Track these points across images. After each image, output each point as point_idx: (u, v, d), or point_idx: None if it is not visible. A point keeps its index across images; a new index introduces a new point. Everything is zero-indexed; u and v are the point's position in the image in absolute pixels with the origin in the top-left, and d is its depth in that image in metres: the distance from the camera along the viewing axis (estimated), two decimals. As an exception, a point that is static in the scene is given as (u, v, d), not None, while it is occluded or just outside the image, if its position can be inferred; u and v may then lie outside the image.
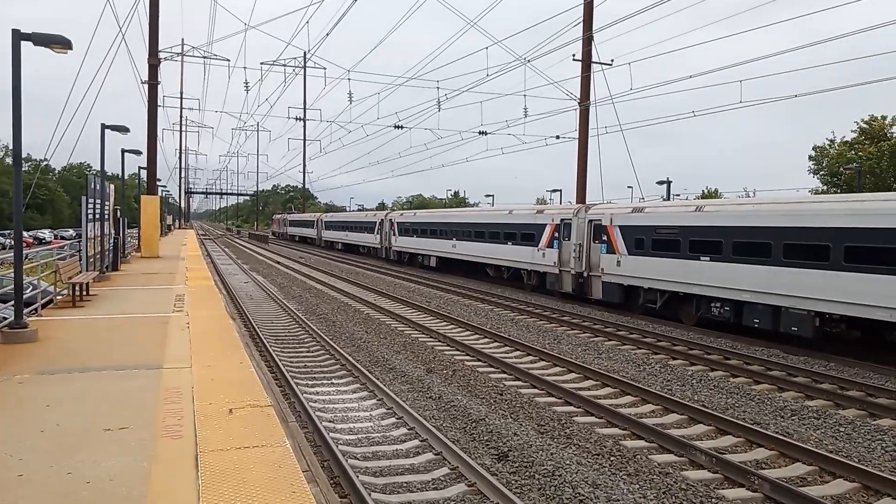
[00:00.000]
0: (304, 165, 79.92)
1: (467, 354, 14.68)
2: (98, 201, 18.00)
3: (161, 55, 28.90)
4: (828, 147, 47.79)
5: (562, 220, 24.57)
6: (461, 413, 10.06)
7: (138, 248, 29.69)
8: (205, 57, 44.92)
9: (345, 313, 20.38)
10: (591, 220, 22.93)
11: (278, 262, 42.35)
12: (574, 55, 30.47)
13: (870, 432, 9.63)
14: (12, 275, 10.11)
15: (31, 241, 62.53)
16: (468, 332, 17.52)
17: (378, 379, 11.94)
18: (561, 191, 49.04)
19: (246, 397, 6.46)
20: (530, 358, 14.52)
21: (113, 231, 21.61)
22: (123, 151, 25.20)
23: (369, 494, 6.84)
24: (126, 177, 31.94)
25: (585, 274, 23.06)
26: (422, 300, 23.59)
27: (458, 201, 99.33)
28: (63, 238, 65.07)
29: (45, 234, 71.69)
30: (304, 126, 73.30)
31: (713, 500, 7.07)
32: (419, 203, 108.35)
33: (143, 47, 27.54)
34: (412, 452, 8.43)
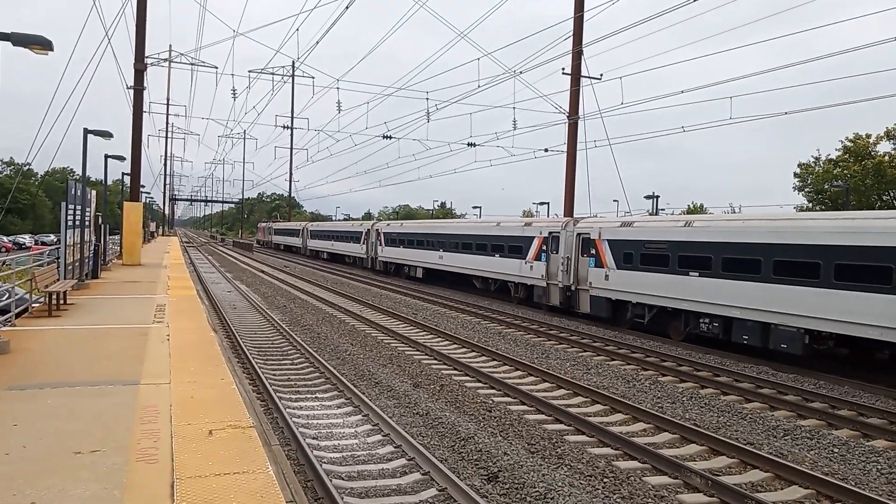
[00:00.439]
0: (291, 174, 79.48)
1: (455, 369, 14.42)
2: (78, 207, 17.60)
3: (148, 60, 28.54)
4: (813, 164, 48.21)
5: (550, 233, 24.44)
6: (449, 430, 9.80)
7: (120, 255, 29.16)
8: (192, 63, 44.54)
9: (330, 325, 20.05)
10: (579, 234, 22.81)
11: (263, 272, 41.88)
12: (563, 69, 30.50)
13: (864, 454, 9.49)
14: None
15: (10, 246, 61.52)
16: (455, 346, 17.26)
17: (363, 393, 11.64)
18: (549, 203, 49.06)
19: (227, 417, 6.16)
20: (519, 373, 14.29)
21: (94, 238, 21.17)
22: (107, 157, 24.77)
23: (354, 518, 6.57)
24: (110, 182, 31.45)
25: (573, 287, 22.91)
26: (408, 312, 23.31)
27: (445, 212, 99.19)
28: (44, 243, 63.99)
29: (26, 239, 70.52)
30: (292, 134, 73.01)
31: (711, 526, 6.86)
32: (406, 213, 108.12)
33: (129, 52, 27.11)
34: (399, 472, 8.15)
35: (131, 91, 27.38)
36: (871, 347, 14.30)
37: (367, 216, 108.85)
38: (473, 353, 16.30)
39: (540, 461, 8.63)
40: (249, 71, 54.61)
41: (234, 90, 48.45)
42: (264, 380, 12.02)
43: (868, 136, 45.31)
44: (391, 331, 18.85)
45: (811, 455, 9.38)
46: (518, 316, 23.01)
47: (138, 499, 4.26)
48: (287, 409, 10.32)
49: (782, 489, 8.09)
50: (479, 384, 13.08)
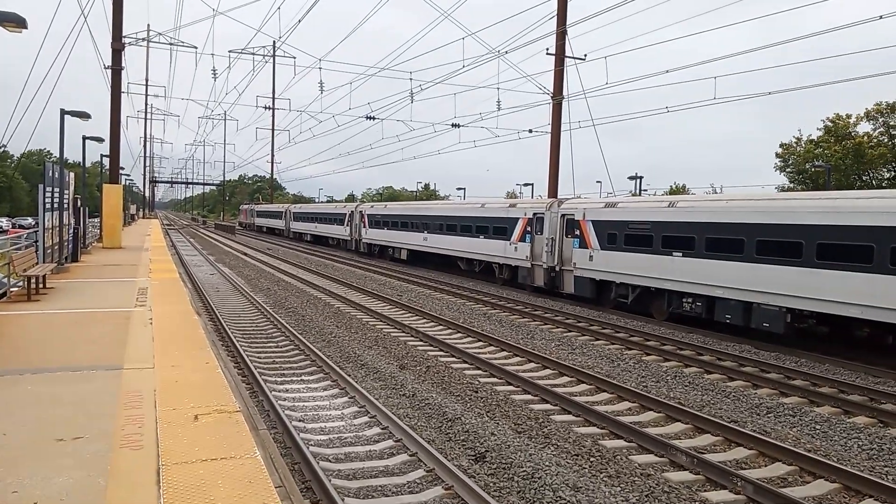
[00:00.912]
0: (273, 155, 78.82)
1: (441, 350, 14.42)
2: (56, 190, 17.27)
3: (125, 40, 27.97)
4: (795, 144, 48.55)
5: (534, 214, 24.44)
6: (436, 411, 9.80)
7: (100, 238, 28.77)
8: (171, 44, 43.78)
9: (314, 307, 19.95)
10: (563, 215, 22.83)
11: (245, 254, 41.54)
12: (547, 49, 30.34)
13: (846, 430, 9.63)
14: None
15: (-14, 229, 60.47)
16: (441, 327, 17.25)
17: (350, 375, 11.60)
18: (533, 184, 49.06)
19: (212, 401, 6.09)
20: (504, 353, 14.32)
21: (73, 221, 20.82)
22: (85, 138, 24.34)
23: (342, 499, 6.54)
24: (88, 165, 30.91)
25: (557, 268, 22.97)
26: (393, 294, 23.26)
27: (428, 194, 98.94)
28: (21, 227, 63.01)
29: (3, 222, 69.32)
30: (273, 115, 72.24)
31: (697, 503, 6.93)
32: (389, 195, 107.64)
33: (106, 31, 26.52)
34: (386, 453, 8.14)
35: (109, 71, 26.87)
36: (850, 325, 14.51)
37: (351, 198, 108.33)
38: (459, 335, 16.31)
39: (527, 441, 8.66)
40: (230, 51, 53.82)
41: (214, 70, 47.75)
42: (249, 363, 11.93)
43: (848, 116, 45.69)
44: (376, 312, 18.79)
45: (794, 432, 9.50)
46: (503, 297, 23.04)
47: (123, 486, 4.19)
48: (273, 393, 10.26)
49: (766, 466, 8.19)
50: (465, 365, 13.09)
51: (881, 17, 18.29)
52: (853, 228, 13.55)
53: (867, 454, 8.72)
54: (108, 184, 27.95)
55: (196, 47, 44.88)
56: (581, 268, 21.54)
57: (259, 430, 7.01)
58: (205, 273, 29.24)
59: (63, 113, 19.12)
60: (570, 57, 30.02)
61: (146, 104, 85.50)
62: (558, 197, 28.13)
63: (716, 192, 40.39)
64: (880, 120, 44.47)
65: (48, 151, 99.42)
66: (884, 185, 43.98)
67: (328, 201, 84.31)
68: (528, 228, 24.58)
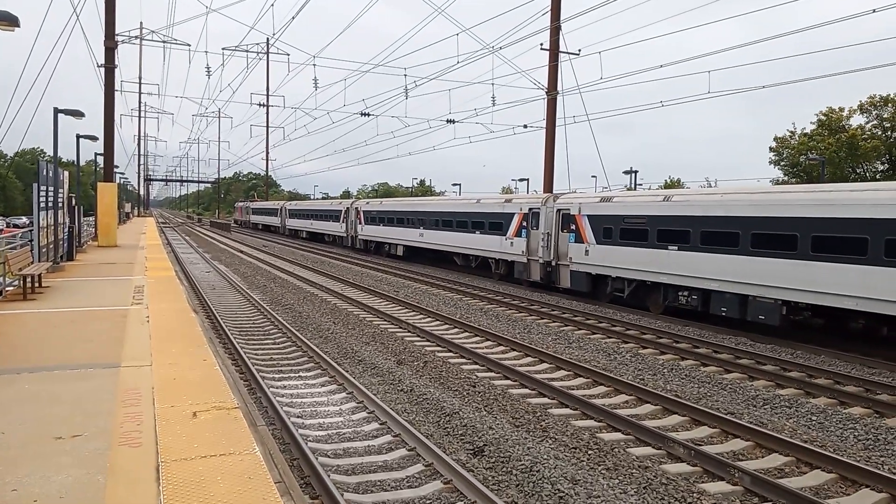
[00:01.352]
0: (267, 152, 78.59)
1: (438, 345, 14.44)
2: (51, 188, 17.21)
3: (118, 38, 27.82)
4: (789, 138, 48.67)
5: (530, 209, 24.45)
6: (434, 406, 9.81)
7: (95, 237, 28.69)
8: (164, 41, 43.60)
9: (311, 304, 19.94)
10: (559, 210, 22.85)
11: (241, 252, 41.47)
12: (542, 44, 30.32)
13: (841, 421, 9.69)
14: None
15: (-20, 229, 60.17)
16: (438, 322, 17.27)
17: (347, 371, 11.62)
18: (528, 180, 49.08)
19: (211, 398, 6.09)
20: (501, 348, 14.35)
21: (68, 219, 20.76)
22: (79, 137, 24.28)
23: (342, 495, 6.56)
24: (83, 163, 30.82)
25: (553, 263, 23.00)
26: (389, 290, 23.26)
27: (424, 190, 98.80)
28: (16, 226, 62.76)
29: (-3, 221, 69.02)
30: (267, 112, 72.05)
31: (695, 494, 6.96)
32: (385, 191, 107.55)
33: (99, 29, 26.37)
34: (385, 449, 8.16)
35: (102, 70, 26.73)
36: (845, 317, 14.58)
37: (346, 194, 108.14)
38: (456, 330, 16.33)
39: (525, 434, 8.69)
40: (223, 48, 53.62)
41: (208, 68, 47.59)
42: (247, 360, 11.92)
43: (841, 109, 45.82)
44: (373, 308, 18.80)
45: (790, 423, 9.55)
46: (499, 292, 23.07)
47: (123, 483, 4.20)
48: (271, 389, 10.26)
49: (763, 457, 8.23)
50: (463, 360, 13.11)
51: (874, 11, 18.27)
52: (848, 221, 13.60)
53: (863, 444, 8.77)
54: (102, 182, 27.84)
55: (189, 45, 44.80)
56: (577, 262, 21.57)
57: (258, 426, 7.02)
58: (201, 271, 29.19)
59: (56, 111, 19.05)
60: (564, 52, 29.99)
61: (140, 102, 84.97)
62: (554, 192, 28.14)
63: (710, 186, 40.51)
64: (873, 113, 44.63)
65: (42, 150, 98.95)
66: (878, 177, 44.16)
67: (323, 198, 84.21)
68: (524, 223, 24.60)
